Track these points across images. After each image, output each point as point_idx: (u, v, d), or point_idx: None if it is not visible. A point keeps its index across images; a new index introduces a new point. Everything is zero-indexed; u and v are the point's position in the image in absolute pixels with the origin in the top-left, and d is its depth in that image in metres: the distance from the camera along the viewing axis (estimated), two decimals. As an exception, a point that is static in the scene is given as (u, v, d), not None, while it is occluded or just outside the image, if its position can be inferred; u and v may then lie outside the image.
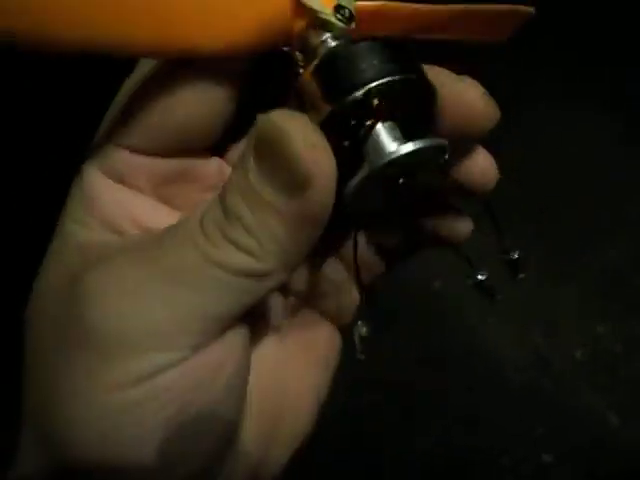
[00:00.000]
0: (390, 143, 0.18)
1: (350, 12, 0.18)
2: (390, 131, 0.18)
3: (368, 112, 0.17)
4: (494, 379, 0.75)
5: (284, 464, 0.21)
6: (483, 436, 0.72)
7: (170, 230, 0.18)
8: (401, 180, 0.18)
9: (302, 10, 0.17)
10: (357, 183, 0.18)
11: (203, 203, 0.18)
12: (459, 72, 0.20)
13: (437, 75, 0.19)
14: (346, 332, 0.25)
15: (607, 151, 0.86)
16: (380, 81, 0.17)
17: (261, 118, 0.16)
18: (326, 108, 0.17)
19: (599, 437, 0.72)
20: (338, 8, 0.18)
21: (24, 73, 0.62)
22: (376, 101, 0.17)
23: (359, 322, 0.20)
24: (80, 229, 0.19)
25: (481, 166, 0.21)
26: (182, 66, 0.18)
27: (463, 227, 0.23)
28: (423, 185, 0.19)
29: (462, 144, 0.20)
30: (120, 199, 0.19)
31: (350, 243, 0.23)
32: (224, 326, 0.18)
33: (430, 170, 0.19)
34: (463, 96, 0.19)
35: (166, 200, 0.20)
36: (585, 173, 0.84)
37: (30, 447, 0.18)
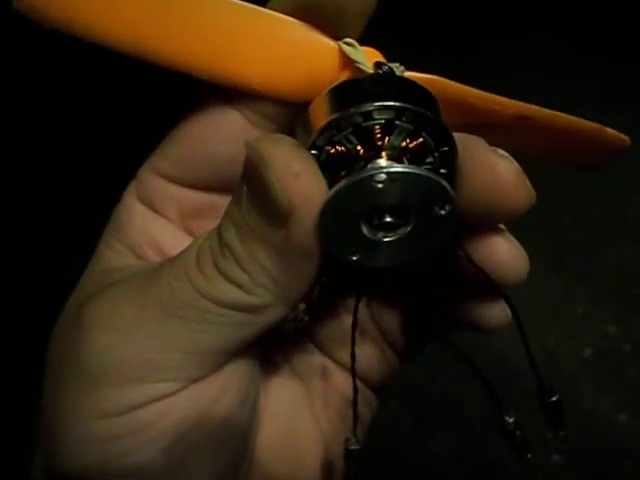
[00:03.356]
0: (382, 162, 0.16)
1: (390, 69, 0.17)
2: (390, 157, 0.16)
3: (371, 137, 0.16)
4: (502, 380, 0.75)
5: None
6: (493, 437, 0.72)
7: (168, 261, 0.18)
8: (391, 219, 0.16)
9: (347, 63, 0.18)
10: (331, 195, 0.16)
11: (204, 233, 0.17)
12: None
13: (468, 140, 0.17)
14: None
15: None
16: (388, 102, 0.16)
17: (247, 144, 0.16)
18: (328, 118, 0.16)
19: (608, 436, 0.72)
20: (379, 64, 0.17)
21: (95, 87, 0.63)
22: (381, 121, 0.16)
23: (348, 438, 0.19)
24: (109, 253, 0.19)
25: (502, 257, 0.18)
26: (223, 103, 0.18)
27: (493, 313, 0.20)
28: (426, 248, 0.17)
29: (484, 226, 0.18)
30: (148, 226, 0.19)
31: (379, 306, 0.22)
32: (221, 359, 0.17)
33: (431, 225, 0.16)
34: (494, 167, 0.16)
35: (191, 232, 0.20)
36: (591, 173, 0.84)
37: (38, 470, 0.18)
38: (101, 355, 0.17)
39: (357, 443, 0.19)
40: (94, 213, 0.21)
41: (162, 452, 0.17)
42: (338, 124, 0.16)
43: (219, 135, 0.18)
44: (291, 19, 0.17)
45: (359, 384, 0.22)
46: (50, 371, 0.18)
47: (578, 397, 0.73)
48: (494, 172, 0.16)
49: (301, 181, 0.15)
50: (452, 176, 0.17)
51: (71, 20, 0.17)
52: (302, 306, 0.18)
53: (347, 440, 0.19)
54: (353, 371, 0.19)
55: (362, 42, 0.18)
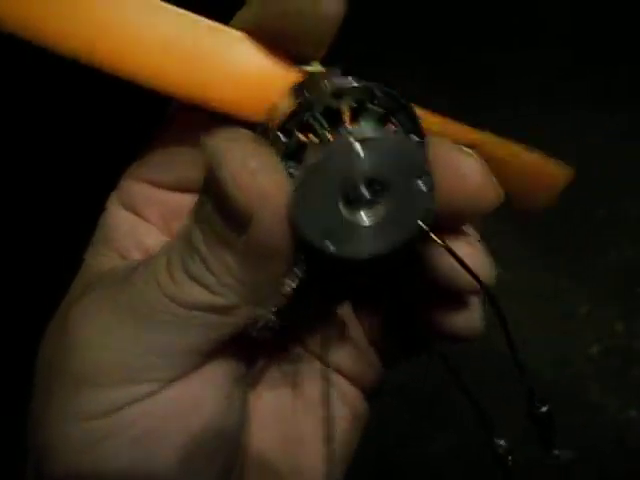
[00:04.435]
0: (354, 128, 0.15)
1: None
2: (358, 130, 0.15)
3: (341, 121, 0.15)
4: (510, 377, 0.75)
5: None
6: (499, 435, 0.72)
7: (141, 264, 0.18)
8: (368, 193, 0.15)
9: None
10: (300, 180, 0.15)
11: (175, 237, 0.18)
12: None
13: (432, 139, 0.17)
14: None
15: (610, 148, 0.86)
16: (361, 82, 0.15)
17: (203, 141, 0.15)
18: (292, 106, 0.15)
19: (615, 433, 0.72)
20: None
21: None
22: (352, 104, 0.15)
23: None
24: (98, 259, 0.20)
25: (470, 261, 0.17)
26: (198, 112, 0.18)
27: (465, 321, 0.19)
28: (406, 235, 0.16)
29: (453, 226, 0.17)
30: (134, 230, 0.20)
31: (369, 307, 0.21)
32: (197, 360, 0.18)
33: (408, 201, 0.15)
34: (459, 168, 0.16)
35: (174, 234, 0.20)
36: (590, 170, 0.84)
37: (31, 472, 0.19)
38: (82, 358, 0.17)
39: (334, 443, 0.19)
40: (92, 217, 0.21)
41: (147, 453, 0.17)
42: (309, 105, 0.15)
43: (195, 136, 0.17)
44: (245, 39, 0.17)
45: (347, 388, 0.22)
46: (38, 375, 0.18)
47: (585, 395, 0.73)
48: (459, 173, 0.16)
49: (259, 179, 0.15)
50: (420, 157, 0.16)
51: (28, 25, 0.16)
52: (272, 309, 0.17)
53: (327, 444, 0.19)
54: (327, 373, 0.19)
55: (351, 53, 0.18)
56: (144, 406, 0.17)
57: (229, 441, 0.19)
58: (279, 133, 0.16)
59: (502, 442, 0.19)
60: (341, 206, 0.15)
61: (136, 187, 0.19)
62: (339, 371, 0.22)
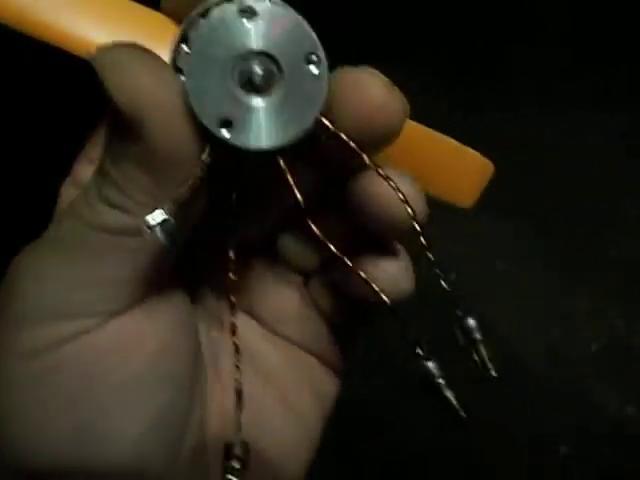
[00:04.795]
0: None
1: None
2: None
3: None
4: (509, 374, 0.75)
5: None
6: (500, 431, 0.73)
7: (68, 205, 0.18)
8: (260, 70, 0.15)
9: None
10: (189, 62, 0.15)
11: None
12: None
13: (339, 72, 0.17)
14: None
15: (610, 148, 0.86)
16: None
17: (91, 57, 0.15)
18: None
19: (616, 430, 0.72)
20: None
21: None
22: None
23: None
24: None
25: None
26: None
27: (392, 272, 0.19)
28: (302, 125, 0.16)
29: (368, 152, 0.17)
30: None
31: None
32: (135, 290, 0.17)
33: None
34: (362, 86, 0.16)
35: None
36: (590, 170, 0.84)
37: None
38: (22, 298, 0.17)
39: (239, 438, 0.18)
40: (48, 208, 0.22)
41: (89, 390, 0.17)
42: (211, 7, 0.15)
43: None
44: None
45: (306, 360, 0.22)
46: None
47: (585, 392, 0.74)
48: (362, 90, 0.16)
49: (143, 79, 0.14)
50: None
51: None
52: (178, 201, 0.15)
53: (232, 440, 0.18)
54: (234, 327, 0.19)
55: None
56: (87, 340, 0.17)
57: (180, 381, 0.19)
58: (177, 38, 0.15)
59: (431, 364, 0.18)
60: (235, 90, 0.15)
61: (90, 168, 0.18)
62: (288, 339, 0.22)
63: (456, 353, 0.18)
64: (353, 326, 0.23)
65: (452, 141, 0.22)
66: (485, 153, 0.23)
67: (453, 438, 0.72)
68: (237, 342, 0.18)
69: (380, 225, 0.18)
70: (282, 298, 0.22)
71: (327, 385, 0.23)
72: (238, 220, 0.17)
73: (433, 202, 0.20)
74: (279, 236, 0.21)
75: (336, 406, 0.24)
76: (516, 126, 0.84)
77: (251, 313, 0.22)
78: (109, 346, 0.17)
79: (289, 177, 0.16)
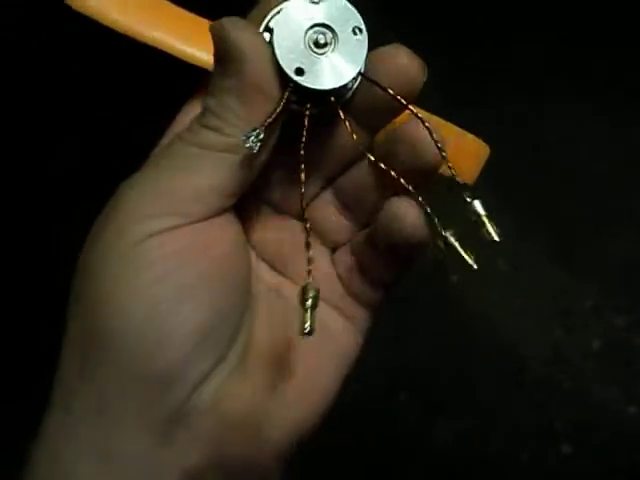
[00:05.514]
0: None
1: None
2: None
3: None
4: (512, 373, 0.75)
5: (287, 440, 0.23)
6: (502, 429, 0.73)
7: None
8: (323, 36, 0.22)
9: None
10: (275, 30, 0.22)
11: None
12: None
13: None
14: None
15: (613, 145, 0.86)
16: None
17: (211, 26, 0.22)
18: None
19: (618, 428, 0.72)
20: None
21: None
22: None
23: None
24: None
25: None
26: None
27: (404, 206, 0.23)
28: (351, 72, 0.22)
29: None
30: None
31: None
32: (214, 201, 0.22)
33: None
34: (394, 55, 0.22)
35: None
36: (593, 166, 0.84)
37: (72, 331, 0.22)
38: (121, 204, 0.22)
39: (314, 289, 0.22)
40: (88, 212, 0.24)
41: (163, 276, 0.21)
42: None
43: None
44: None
45: (331, 317, 0.25)
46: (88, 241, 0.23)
47: (587, 390, 0.74)
48: (394, 55, 0.22)
49: (246, 32, 0.21)
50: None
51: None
52: (265, 123, 0.22)
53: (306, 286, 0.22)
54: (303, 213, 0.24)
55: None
56: (164, 237, 0.22)
57: (238, 287, 0.23)
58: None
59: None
60: (306, 49, 0.22)
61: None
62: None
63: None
64: (374, 298, 0.26)
65: (453, 126, 0.27)
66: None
67: (453, 434, 0.72)
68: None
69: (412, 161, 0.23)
70: (312, 264, 0.24)
71: (347, 345, 0.26)
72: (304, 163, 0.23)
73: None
74: (314, 209, 0.25)
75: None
76: (514, 124, 0.84)
77: (284, 273, 0.26)
78: (184, 244, 0.22)
79: (341, 113, 0.22)
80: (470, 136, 0.27)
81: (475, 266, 0.22)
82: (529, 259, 0.80)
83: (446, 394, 0.75)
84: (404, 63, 0.22)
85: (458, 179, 0.22)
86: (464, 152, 0.27)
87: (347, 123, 0.23)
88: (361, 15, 0.22)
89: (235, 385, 0.22)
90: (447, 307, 0.78)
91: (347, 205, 0.25)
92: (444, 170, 0.23)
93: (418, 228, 0.22)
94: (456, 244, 0.22)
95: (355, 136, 0.23)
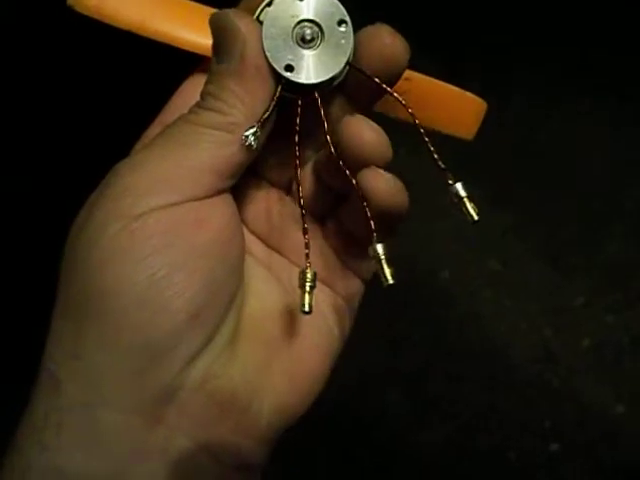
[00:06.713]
0: None
1: None
2: None
3: None
4: (501, 371, 0.76)
5: (275, 423, 0.24)
6: (492, 428, 0.73)
7: None
8: (310, 32, 0.23)
9: None
10: (267, 17, 0.23)
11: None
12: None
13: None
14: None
15: (608, 142, 0.86)
16: None
17: (210, 18, 0.23)
18: None
19: (606, 427, 0.72)
20: None
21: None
22: None
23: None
24: None
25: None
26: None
27: (380, 179, 0.24)
28: (338, 65, 0.23)
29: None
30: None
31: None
32: (212, 180, 0.23)
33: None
34: (379, 35, 0.23)
35: None
36: (587, 164, 0.84)
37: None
38: (125, 176, 0.23)
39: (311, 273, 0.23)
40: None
41: (167, 247, 0.22)
42: None
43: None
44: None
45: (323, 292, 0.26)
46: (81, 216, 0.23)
47: (576, 388, 0.74)
48: (377, 35, 0.23)
49: (246, 18, 0.23)
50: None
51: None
52: (260, 120, 0.23)
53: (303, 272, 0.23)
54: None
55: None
56: (163, 213, 0.22)
57: (230, 265, 0.24)
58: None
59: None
60: (294, 46, 0.23)
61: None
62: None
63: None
64: (360, 261, 0.27)
65: (452, 87, 0.28)
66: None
67: (442, 432, 0.72)
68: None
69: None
70: (300, 235, 0.25)
71: (336, 325, 0.26)
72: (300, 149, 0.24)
73: (422, 205, 0.22)
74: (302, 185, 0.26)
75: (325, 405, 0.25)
76: (511, 122, 0.84)
77: (274, 247, 0.27)
78: (183, 219, 0.22)
79: (320, 106, 0.23)
80: (469, 94, 0.28)
81: (391, 281, 0.22)
82: (520, 258, 0.80)
83: (436, 393, 0.75)
84: (387, 43, 0.23)
85: (440, 164, 0.23)
86: (464, 111, 0.29)
87: (323, 114, 0.24)
88: (346, 9, 0.23)
89: (224, 365, 0.23)
90: (437, 305, 0.78)
91: (326, 178, 0.26)
92: (445, 128, 0.25)
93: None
94: (382, 257, 0.23)
95: (327, 126, 0.24)
